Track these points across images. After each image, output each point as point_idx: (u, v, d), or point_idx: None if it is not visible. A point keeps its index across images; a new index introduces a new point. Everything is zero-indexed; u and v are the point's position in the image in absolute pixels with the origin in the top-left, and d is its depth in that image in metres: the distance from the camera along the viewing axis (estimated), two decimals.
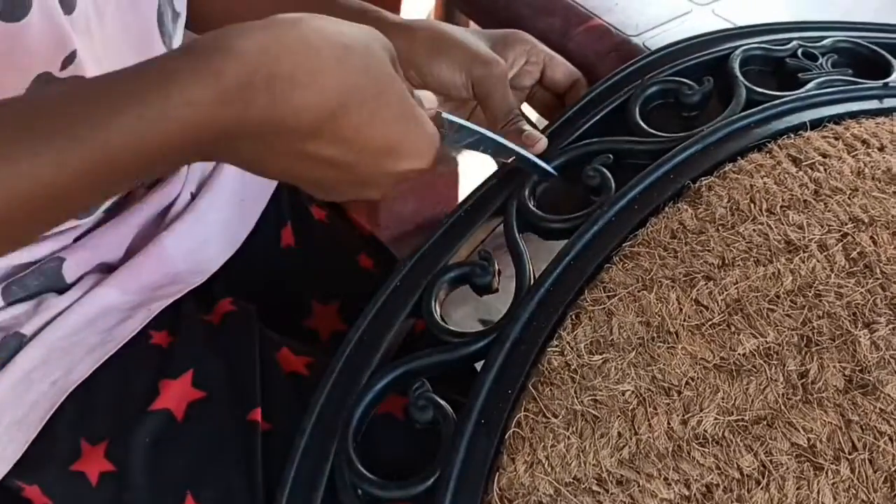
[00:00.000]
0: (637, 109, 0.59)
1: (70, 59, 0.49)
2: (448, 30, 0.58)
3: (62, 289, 0.57)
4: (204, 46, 0.38)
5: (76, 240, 0.58)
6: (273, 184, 0.67)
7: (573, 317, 0.51)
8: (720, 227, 0.52)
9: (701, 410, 0.46)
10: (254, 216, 0.65)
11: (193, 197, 0.63)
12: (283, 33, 0.38)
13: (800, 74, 0.60)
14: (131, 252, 0.60)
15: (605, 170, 0.56)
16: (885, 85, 0.59)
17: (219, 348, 0.57)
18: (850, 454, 0.45)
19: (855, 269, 0.50)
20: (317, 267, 0.68)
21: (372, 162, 0.43)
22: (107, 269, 0.59)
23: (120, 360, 0.55)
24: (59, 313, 0.55)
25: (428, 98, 0.50)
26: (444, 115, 0.49)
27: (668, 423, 0.46)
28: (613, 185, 0.55)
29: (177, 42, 0.59)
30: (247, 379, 0.55)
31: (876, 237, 0.51)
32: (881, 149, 0.55)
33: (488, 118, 0.59)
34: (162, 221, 0.62)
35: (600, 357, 0.49)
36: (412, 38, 0.58)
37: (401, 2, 1.13)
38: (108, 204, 0.59)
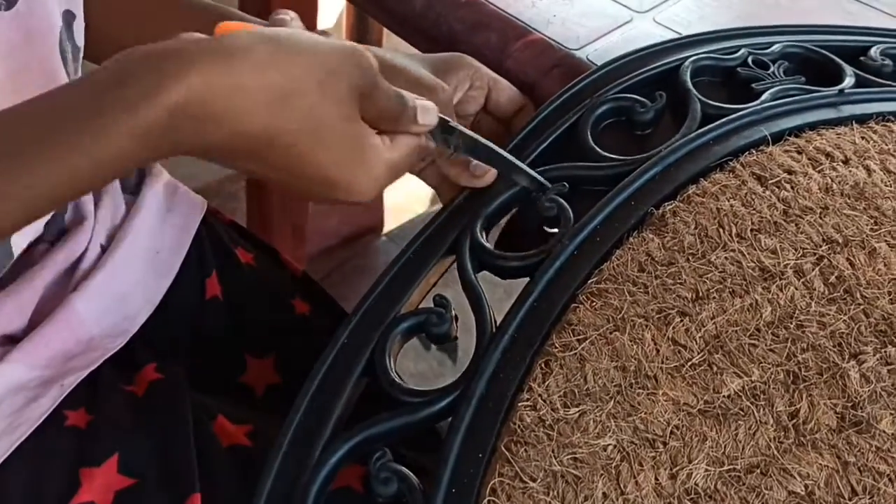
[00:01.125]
0: (589, 131, 0.55)
1: None
2: (388, 56, 0.53)
3: None
4: (131, 89, 0.36)
5: None
6: (191, 233, 0.61)
7: (542, 365, 0.46)
8: (690, 257, 0.49)
9: (690, 462, 0.43)
10: (173, 267, 0.59)
11: (104, 249, 0.57)
12: (220, 74, 0.37)
13: (753, 84, 0.57)
14: (37, 319, 0.52)
15: (561, 199, 0.52)
16: (841, 92, 0.56)
17: (146, 425, 0.50)
18: (850, 499, 0.41)
19: (835, 294, 0.47)
20: (248, 317, 0.62)
21: (306, 186, 0.44)
22: (9, 342, 0.51)
23: (31, 448, 0.48)
24: None
25: (429, 107, 0.46)
26: (452, 123, 0.49)
27: (656, 479, 0.43)
28: (572, 215, 0.52)
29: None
30: (181, 459, 0.49)
31: (852, 259, 0.48)
32: (845, 162, 0.53)
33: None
34: (70, 280, 0.54)
35: (577, 409, 0.45)
36: None
37: (317, 10, 1.07)
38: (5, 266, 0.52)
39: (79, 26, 0.53)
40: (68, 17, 0.51)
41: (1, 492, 0.47)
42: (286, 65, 0.39)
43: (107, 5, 0.56)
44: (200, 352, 0.60)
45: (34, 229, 0.52)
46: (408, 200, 1.48)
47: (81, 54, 0.54)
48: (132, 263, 0.57)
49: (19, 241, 0.51)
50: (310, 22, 0.99)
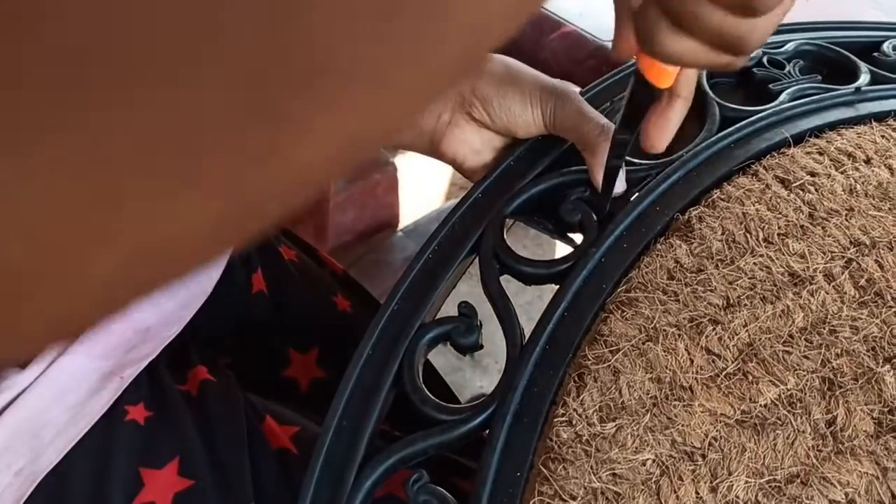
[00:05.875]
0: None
1: None
2: (511, 60, 0.50)
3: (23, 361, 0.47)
4: None
5: None
6: None
7: (576, 378, 0.45)
8: (719, 264, 0.47)
9: (730, 474, 0.41)
10: (221, 261, 0.57)
11: None
12: None
13: (770, 85, 0.55)
14: None
15: (584, 204, 0.50)
16: (857, 90, 0.55)
17: (201, 426, 0.48)
18: None
19: (866, 297, 0.45)
20: (292, 313, 0.61)
21: None
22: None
23: (94, 441, 0.46)
24: (23, 390, 0.46)
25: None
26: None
27: (697, 493, 0.41)
28: (596, 221, 0.50)
29: None
30: (236, 465, 0.47)
31: (881, 260, 0.46)
32: (867, 161, 0.51)
33: (586, 147, 0.50)
34: None
35: (613, 424, 0.43)
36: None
37: None
38: None
39: None
40: None
41: (65, 485, 0.45)
42: None
43: None
44: (246, 346, 0.59)
45: None
46: (423, 196, 1.46)
47: None
48: None
49: None
50: None
